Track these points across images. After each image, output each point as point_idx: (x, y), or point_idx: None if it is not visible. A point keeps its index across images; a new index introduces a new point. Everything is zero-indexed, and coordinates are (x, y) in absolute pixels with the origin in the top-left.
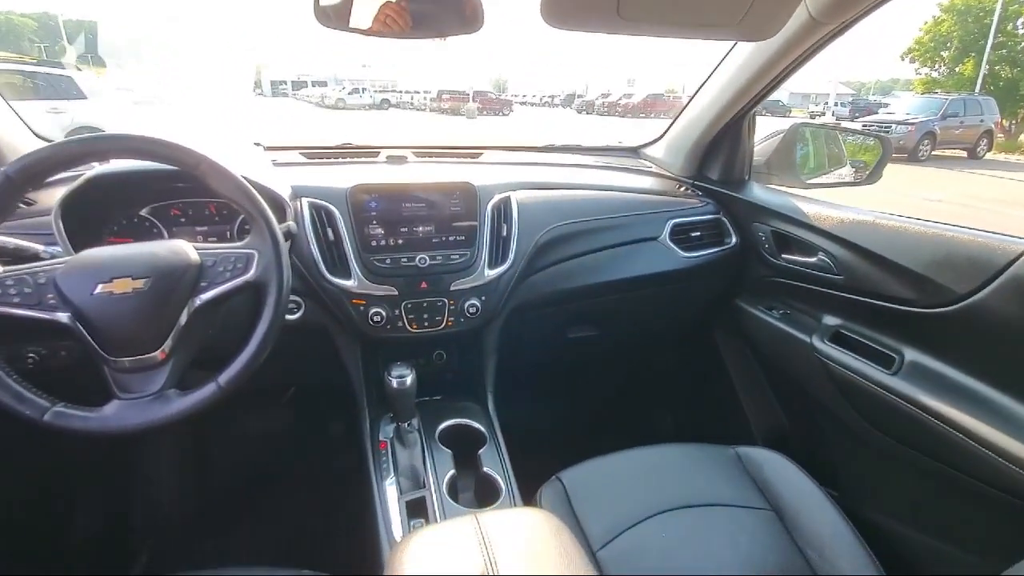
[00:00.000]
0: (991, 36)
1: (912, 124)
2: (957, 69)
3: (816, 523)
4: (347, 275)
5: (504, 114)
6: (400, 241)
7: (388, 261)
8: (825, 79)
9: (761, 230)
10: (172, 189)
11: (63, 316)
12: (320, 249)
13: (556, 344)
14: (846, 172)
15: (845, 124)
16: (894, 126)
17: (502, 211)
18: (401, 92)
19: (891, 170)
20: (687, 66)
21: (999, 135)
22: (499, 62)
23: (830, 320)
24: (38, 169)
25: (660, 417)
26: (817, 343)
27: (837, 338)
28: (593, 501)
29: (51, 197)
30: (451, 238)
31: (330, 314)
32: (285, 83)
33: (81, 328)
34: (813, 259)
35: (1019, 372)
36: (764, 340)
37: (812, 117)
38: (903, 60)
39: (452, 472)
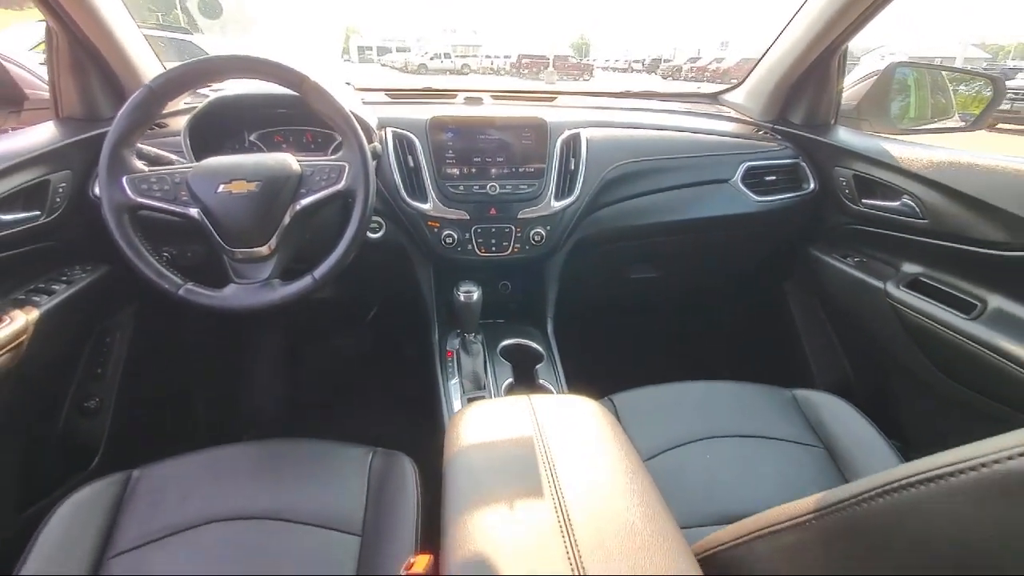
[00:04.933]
0: None
1: None
2: None
3: (872, 466)
4: (424, 199)
5: (585, 79)
6: (473, 170)
7: (461, 188)
8: (956, 40)
9: (842, 175)
10: (277, 116)
11: (193, 211)
12: (401, 174)
13: (617, 282)
14: (952, 121)
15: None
16: None
17: (571, 146)
18: (482, 57)
19: (1013, 142)
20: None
21: None
22: (582, 26)
23: (909, 268)
24: (175, 84)
25: (718, 359)
26: (892, 290)
27: (914, 285)
28: (641, 421)
29: (177, 123)
30: (520, 169)
31: (407, 234)
32: (371, 49)
33: (207, 222)
34: (896, 203)
35: None
36: (835, 288)
37: None
38: None
39: (510, 380)
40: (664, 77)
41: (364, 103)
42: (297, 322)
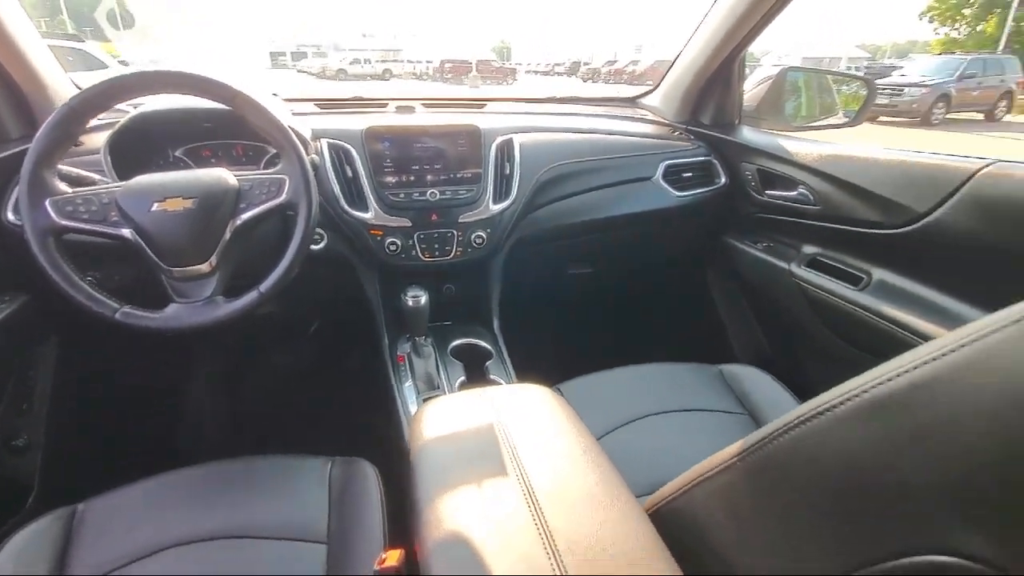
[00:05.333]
0: None
1: (927, 86)
2: (979, 28)
3: None
4: (365, 208)
5: (508, 83)
6: (412, 178)
7: (401, 195)
8: (839, 42)
9: (748, 169)
10: (204, 131)
11: (126, 231)
12: (340, 184)
13: (557, 278)
14: (836, 118)
15: (834, 71)
16: (906, 88)
17: (505, 151)
18: (403, 62)
19: (898, 134)
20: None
21: (1021, 96)
22: (502, 30)
23: (808, 248)
24: (99, 100)
25: (653, 343)
26: (795, 269)
27: (813, 264)
28: (588, 406)
29: (94, 141)
30: (458, 175)
31: (350, 244)
32: (284, 54)
33: (142, 242)
34: (794, 193)
35: (975, 282)
36: (749, 271)
37: None
38: (921, 20)
39: (463, 378)
40: (584, 79)
41: (293, 114)
42: (237, 341)
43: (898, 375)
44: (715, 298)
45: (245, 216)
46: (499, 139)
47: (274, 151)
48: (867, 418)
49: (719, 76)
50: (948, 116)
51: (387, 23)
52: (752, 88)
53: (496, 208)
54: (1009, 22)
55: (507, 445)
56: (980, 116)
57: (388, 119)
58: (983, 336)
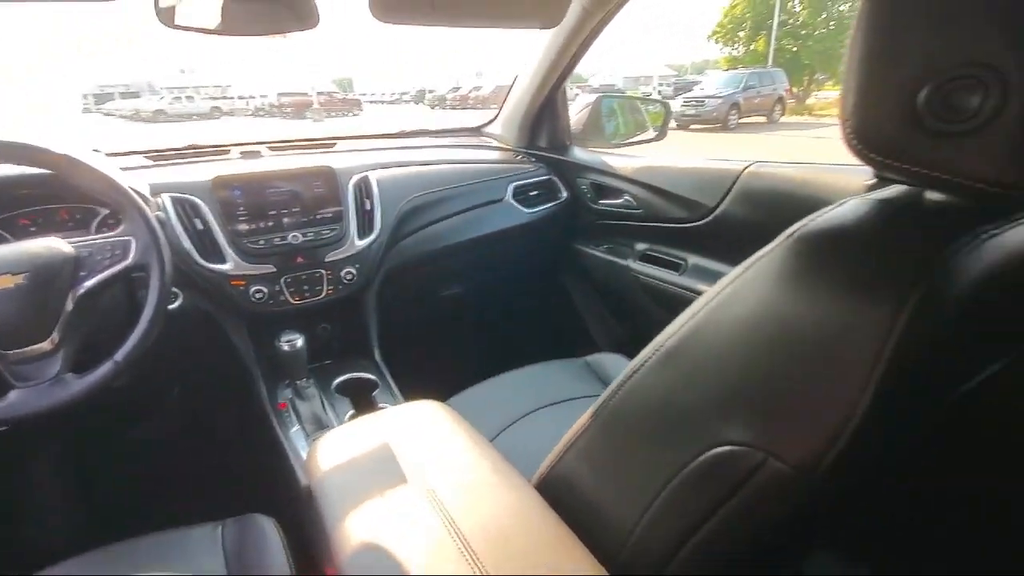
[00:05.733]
0: (776, 15)
1: (721, 97)
2: (752, 47)
3: None
4: (222, 260)
5: (354, 114)
6: (270, 223)
7: (261, 242)
8: (651, 63)
9: (583, 184)
10: (17, 199)
11: None
12: (191, 239)
13: (431, 301)
14: (647, 135)
15: (634, 94)
16: (706, 100)
17: (363, 188)
18: (234, 98)
19: (703, 138)
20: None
21: (790, 100)
22: (342, 60)
23: (639, 246)
24: None
25: (527, 347)
26: (632, 264)
27: (644, 258)
28: (475, 414)
29: None
30: (319, 216)
31: (210, 298)
32: (87, 97)
33: None
34: (621, 200)
35: (752, 253)
36: (597, 271)
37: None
38: (709, 41)
39: (351, 412)
40: (432, 107)
41: (122, 170)
42: (90, 419)
43: (680, 328)
44: (573, 298)
45: (88, 284)
46: (355, 177)
47: (106, 212)
48: (664, 365)
49: (548, 105)
50: (741, 121)
51: (211, 57)
52: (577, 113)
53: (362, 243)
54: (773, 41)
55: (404, 458)
56: (763, 119)
57: (234, 166)
58: (729, 284)
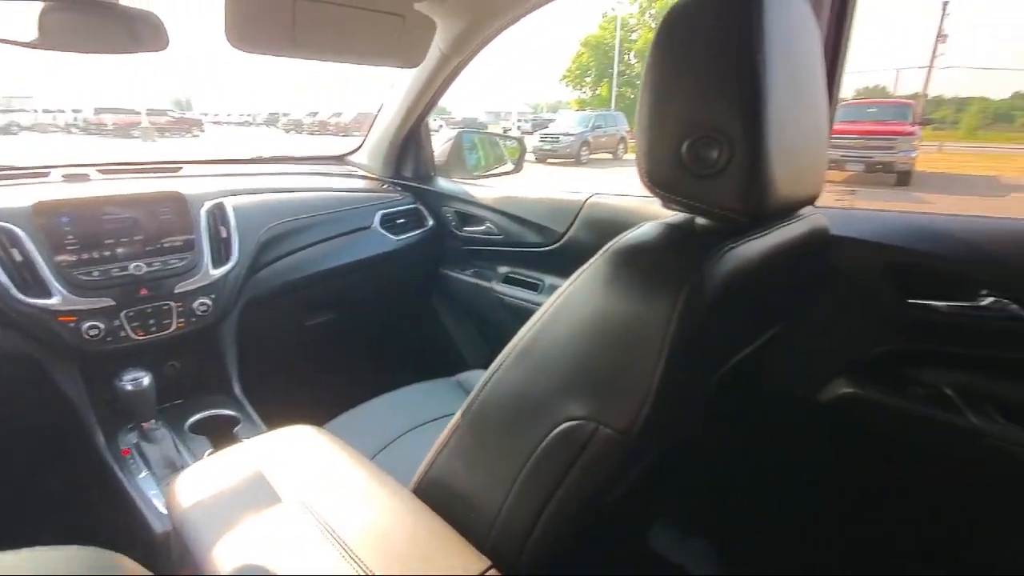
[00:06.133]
0: (615, 65)
1: (573, 135)
2: (597, 91)
3: None
4: (46, 294)
5: (194, 135)
6: (106, 253)
7: (96, 273)
8: (511, 100)
9: (448, 212)
10: None
11: None
12: (7, 272)
13: (298, 330)
14: (506, 167)
15: (492, 131)
16: (561, 137)
17: (217, 215)
18: (36, 111)
19: (562, 171)
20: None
21: (631, 140)
22: (178, 77)
23: (502, 269)
24: None
25: (402, 369)
26: (496, 286)
27: (507, 280)
28: (353, 437)
29: None
30: (166, 244)
31: (32, 337)
32: None
33: None
34: (483, 227)
35: None
36: (465, 294)
37: (505, 131)
38: (560, 83)
39: (210, 451)
40: (287, 131)
41: None
42: None
43: (530, 329)
44: (444, 321)
45: None
46: (208, 204)
47: None
48: (518, 362)
49: (412, 136)
50: (592, 157)
51: (4, 64)
52: (441, 146)
53: (217, 272)
54: (614, 88)
55: (276, 480)
56: (609, 156)
57: (58, 191)
58: (566, 289)
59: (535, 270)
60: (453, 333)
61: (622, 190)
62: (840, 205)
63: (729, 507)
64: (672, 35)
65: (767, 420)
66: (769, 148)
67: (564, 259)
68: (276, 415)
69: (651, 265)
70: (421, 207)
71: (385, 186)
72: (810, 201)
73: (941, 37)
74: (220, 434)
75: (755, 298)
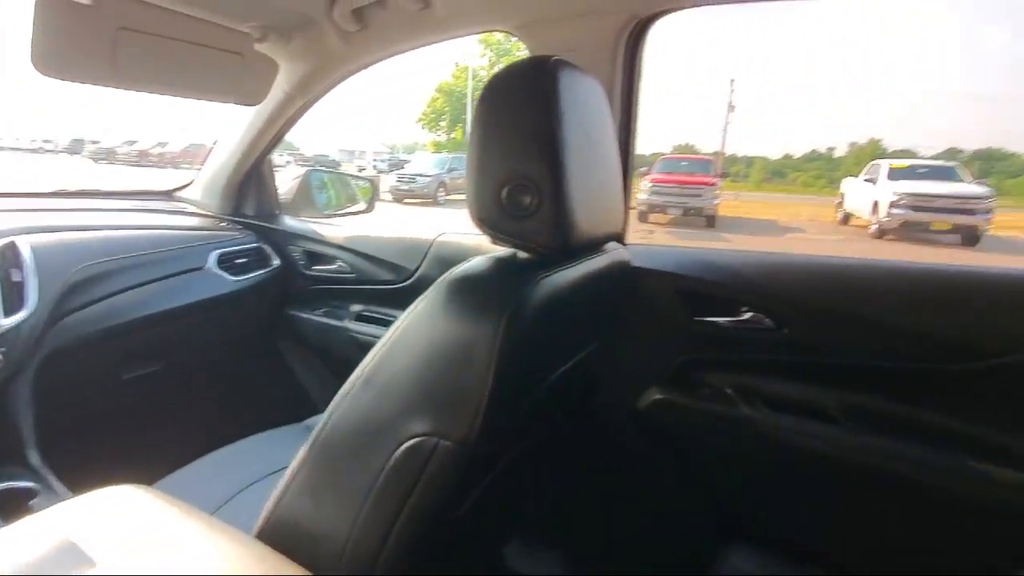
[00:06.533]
0: (468, 111)
1: (430, 176)
2: (452, 135)
3: None
4: None
5: None
6: None
7: None
8: (367, 139)
9: (296, 251)
10: None
11: None
12: None
13: (116, 384)
14: (358, 207)
15: (346, 169)
16: (417, 178)
17: (8, 257)
18: None
19: (421, 211)
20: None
21: None
22: None
23: (355, 307)
24: None
25: (245, 419)
26: (349, 325)
27: (360, 318)
28: (187, 495)
29: None
30: None
31: None
32: None
33: None
34: (335, 266)
35: None
36: (315, 335)
37: (360, 170)
38: (416, 125)
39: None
40: (96, 160)
41: None
42: None
43: (375, 356)
44: (291, 364)
45: None
46: None
47: None
48: (364, 389)
49: (254, 173)
50: (448, 198)
51: None
52: (288, 184)
53: (9, 322)
54: (467, 134)
55: (90, 545)
56: (464, 197)
57: None
58: (407, 316)
59: (388, 307)
60: (301, 377)
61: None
62: (664, 242)
63: (576, 516)
64: (491, 100)
65: (601, 429)
66: (570, 194)
67: (416, 295)
68: (92, 480)
69: (479, 292)
70: (265, 246)
71: (223, 224)
72: (612, 238)
73: (731, 107)
74: (12, 509)
75: (570, 318)
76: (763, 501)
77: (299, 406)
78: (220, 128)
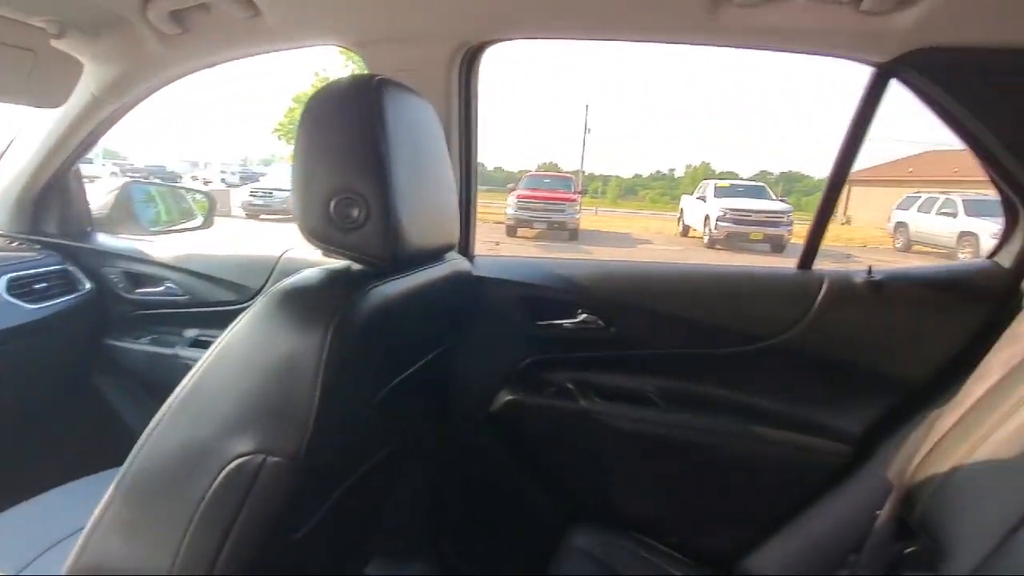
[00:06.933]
0: None
1: (288, 190)
2: None
3: None
4: None
5: None
6: None
7: None
8: (215, 150)
9: (113, 273)
10: None
11: None
12: None
13: None
14: (194, 222)
15: (185, 184)
16: (274, 192)
17: None
18: None
19: (281, 228)
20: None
21: None
22: None
23: (189, 332)
24: None
25: (52, 470)
26: (180, 352)
27: (196, 344)
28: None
29: None
30: None
31: None
32: None
33: None
34: (162, 288)
35: None
36: (139, 366)
37: (205, 184)
38: (273, 136)
39: None
40: None
41: None
42: None
43: (191, 379)
44: (112, 402)
45: None
46: None
47: None
48: (179, 413)
49: (55, 186)
50: None
51: None
52: (103, 197)
53: None
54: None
55: None
56: None
57: None
58: (228, 333)
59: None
60: (124, 414)
61: None
62: (533, 254)
63: (438, 521)
64: (314, 115)
65: (457, 435)
66: (397, 207)
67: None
68: None
69: (306, 303)
70: (72, 268)
71: (15, 244)
72: (447, 249)
73: (587, 129)
74: None
75: (407, 326)
76: (603, 484)
77: (121, 448)
78: (10, 133)
